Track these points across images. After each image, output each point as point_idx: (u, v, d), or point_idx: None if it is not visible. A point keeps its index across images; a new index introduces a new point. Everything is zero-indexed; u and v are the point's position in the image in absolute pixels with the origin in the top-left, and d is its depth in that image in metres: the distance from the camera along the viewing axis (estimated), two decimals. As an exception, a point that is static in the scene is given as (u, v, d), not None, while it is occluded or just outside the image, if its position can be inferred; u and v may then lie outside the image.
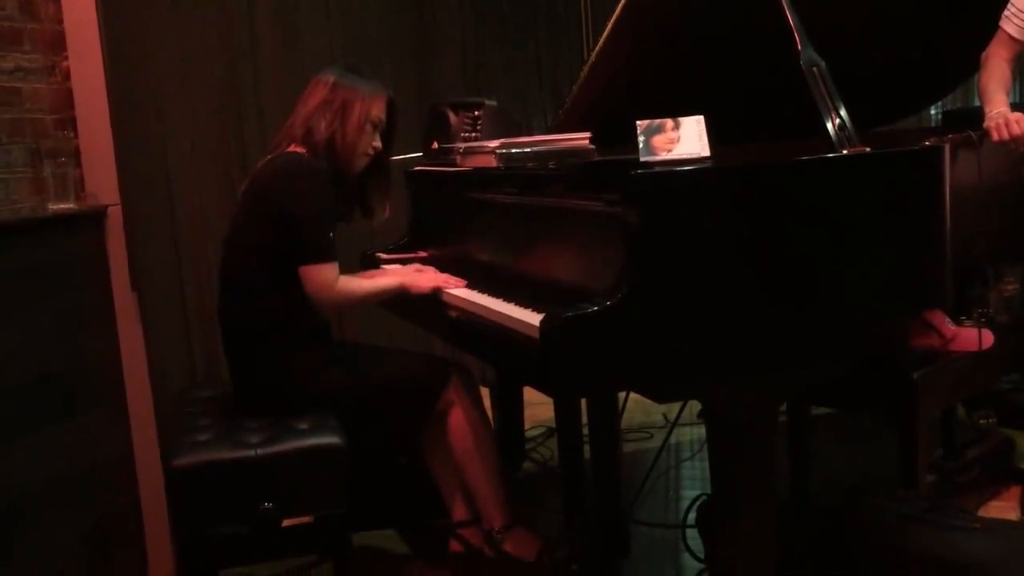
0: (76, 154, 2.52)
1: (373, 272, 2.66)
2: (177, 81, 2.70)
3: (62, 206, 2.44)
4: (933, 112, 3.97)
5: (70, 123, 2.52)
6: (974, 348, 2.44)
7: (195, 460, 2.10)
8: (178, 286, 2.69)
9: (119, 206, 2.53)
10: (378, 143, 2.43)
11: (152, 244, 2.61)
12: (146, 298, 2.59)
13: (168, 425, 2.50)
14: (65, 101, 2.51)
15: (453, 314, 2.24)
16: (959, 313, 2.52)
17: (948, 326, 2.45)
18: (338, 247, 2.29)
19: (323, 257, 2.24)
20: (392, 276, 2.48)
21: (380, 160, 2.48)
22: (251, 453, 2.11)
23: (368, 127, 2.38)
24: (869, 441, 3.08)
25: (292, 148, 2.34)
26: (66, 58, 2.51)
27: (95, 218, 2.53)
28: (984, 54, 2.46)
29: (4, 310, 2.26)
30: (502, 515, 2.42)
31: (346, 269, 2.34)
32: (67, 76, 2.51)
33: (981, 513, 2.56)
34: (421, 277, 2.43)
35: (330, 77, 2.38)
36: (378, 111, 2.40)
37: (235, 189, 2.86)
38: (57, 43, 2.49)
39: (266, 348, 2.31)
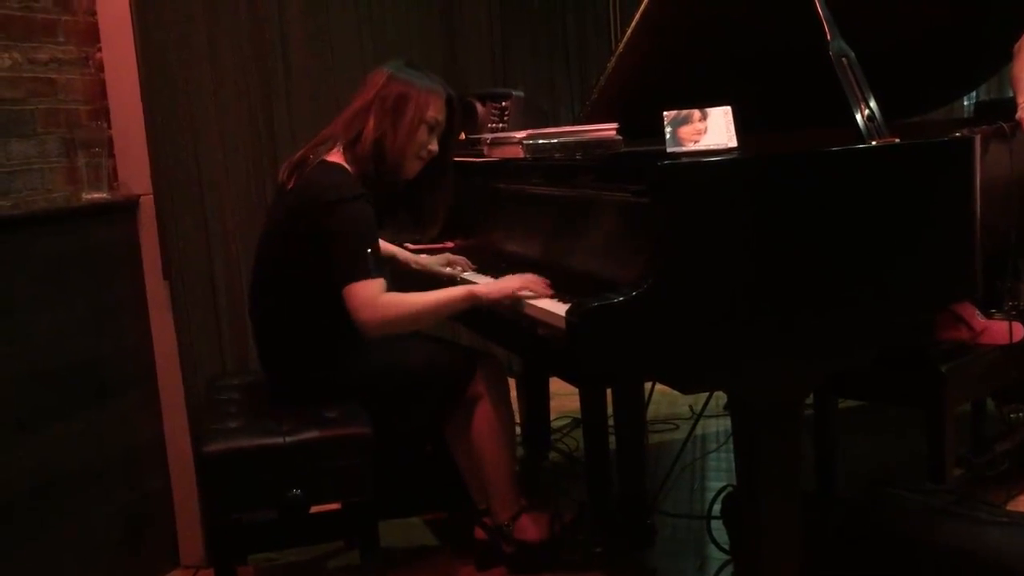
0: (109, 144, 2.55)
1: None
2: (208, 72, 2.72)
3: (95, 196, 2.48)
4: (966, 103, 3.93)
5: (103, 114, 2.55)
6: (1004, 341, 2.43)
7: (225, 447, 2.13)
8: (209, 275, 2.72)
9: (151, 196, 2.56)
10: (434, 146, 2.29)
11: (183, 233, 2.63)
12: (177, 287, 2.62)
13: (199, 412, 2.53)
14: (98, 92, 2.54)
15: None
16: (989, 306, 2.50)
17: (978, 319, 2.44)
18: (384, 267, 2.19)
19: (359, 275, 2.10)
20: (458, 288, 2.20)
21: (438, 165, 2.35)
22: (280, 440, 2.14)
23: (423, 128, 2.25)
24: (896, 434, 3.07)
25: (335, 154, 2.26)
26: (99, 49, 2.54)
27: (128, 208, 2.56)
28: (1017, 44, 2.43)
29: (39, 297, 2.30)
30: (510, 507, 2.43)
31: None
32: (100, 67, 2.54)
33: (1010, 507, 2.54)
34: (495, 284, 2.12)
35: (386, 71, 2.27)
36: (435, 111, 2.26)
37: (264, 179, 2.89)
38: (91, 34, 2.52)
39: (296, 342, 2.33)
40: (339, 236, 2.15)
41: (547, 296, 2.00)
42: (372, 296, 2.11)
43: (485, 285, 2.15)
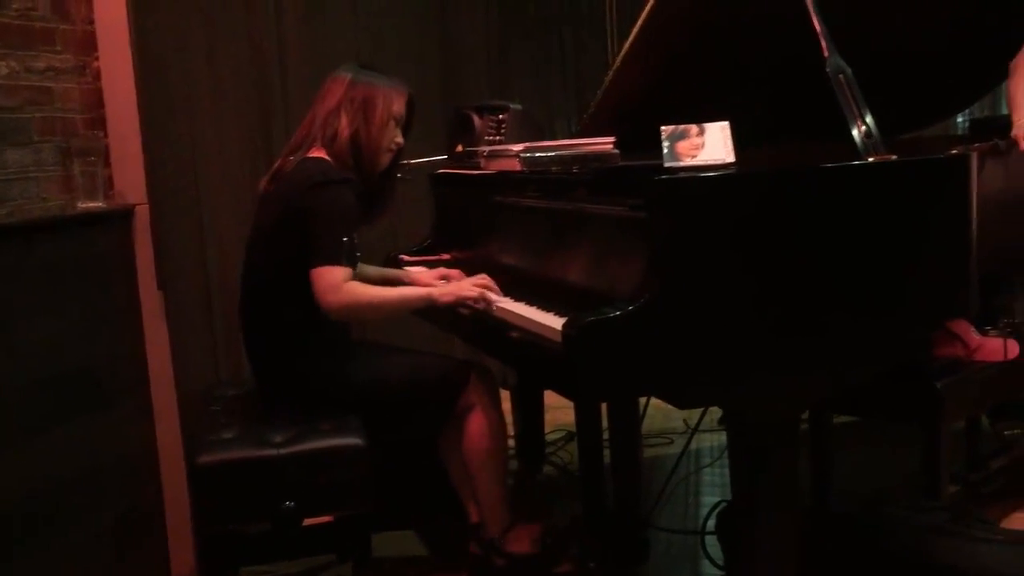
0: (105, 153, 2.54)
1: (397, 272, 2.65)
2: (205, 82, 2.73)
3: (91, 205, 2.47)
4: (960, 120, 3.94)
5: (100, 123, 2.55)
6: (999, 358, 2.43)
7: (218, 458, 2.12)
8: (203, 285, 2.71)
9: (146, 205, 2.56)
10: (400, 139, 2.42)
11: (178, 243, 2.63)
12: (172, 296, 2.61)
13: (192, 422, 2.52)
14: (95, 101, 2.54)
15: (473, 316, 2.24)
16: (984, 323, 2.51)
17: (973, 336, 2.44)
18: (361, 253, 2.25)
19: (331, 259, 2.17)
20: (418, 288, 2.39)
21: (397, 157, 2.47)
22: (274, 452, 2.13)
23: (391, 123, 2.36)
24: (891, 450, 3.06)
25: (315, 152, 2.32)
26: (97, 58, 2.54)
27: (123, 217, 2.56)
28: (1014, 62, 2.44)
29: (33, 305, 2.28)
30: (501, 520, 2.41)
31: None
32: (97, 76, 2.54)
33: (1004, 525, 2.54)
34: (450, 287, 2.28)
35: (346, 75, 2.36)
36: (399, 106, 2.38)
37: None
38: (88, 43, 2.52)
39: (287, 350, 2.32)
40: (320, 216, 2.20)
41: (498, 298, 2.15)
42: (337, 281, 2.18)
43: (440, 288, 2.29)
